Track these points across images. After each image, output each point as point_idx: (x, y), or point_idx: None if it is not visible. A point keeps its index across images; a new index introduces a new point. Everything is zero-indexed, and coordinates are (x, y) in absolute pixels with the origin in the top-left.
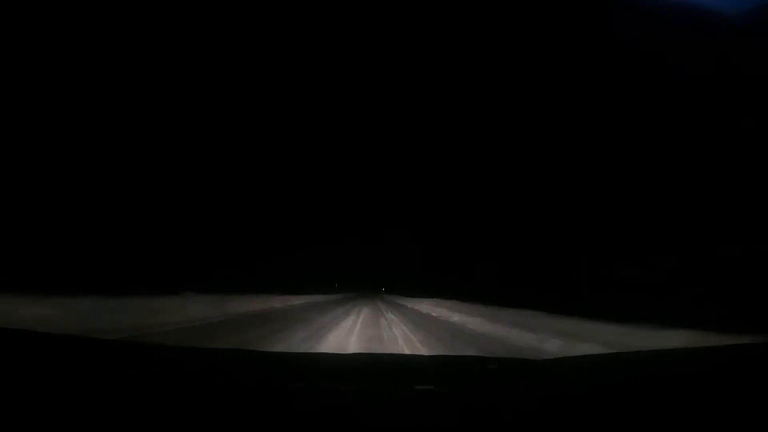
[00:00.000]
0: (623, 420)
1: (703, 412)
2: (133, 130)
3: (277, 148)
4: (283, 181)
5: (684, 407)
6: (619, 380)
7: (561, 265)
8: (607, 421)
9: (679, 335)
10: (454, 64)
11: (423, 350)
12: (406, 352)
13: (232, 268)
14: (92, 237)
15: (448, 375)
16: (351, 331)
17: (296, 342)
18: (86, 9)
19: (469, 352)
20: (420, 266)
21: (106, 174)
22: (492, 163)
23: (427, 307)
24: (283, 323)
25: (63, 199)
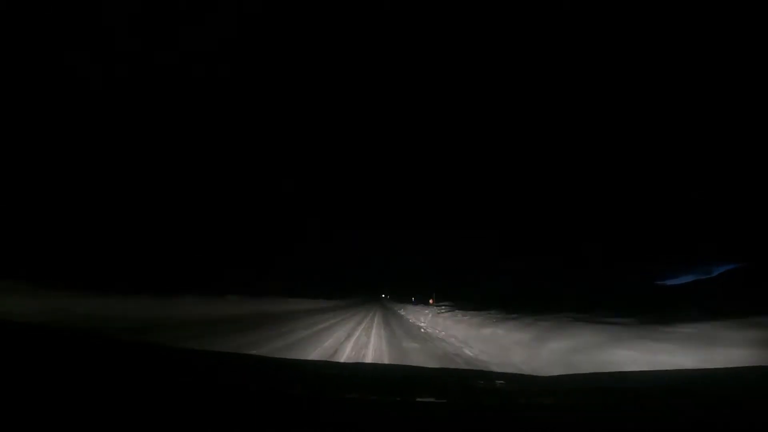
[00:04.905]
0: None
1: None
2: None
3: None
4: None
5: (689, 427)
6: (625, 399)
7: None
8: None
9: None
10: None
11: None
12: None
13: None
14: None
15: (452, 388)
16: None
17: None
18: (84, 15)
19: None
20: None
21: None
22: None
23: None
24: None
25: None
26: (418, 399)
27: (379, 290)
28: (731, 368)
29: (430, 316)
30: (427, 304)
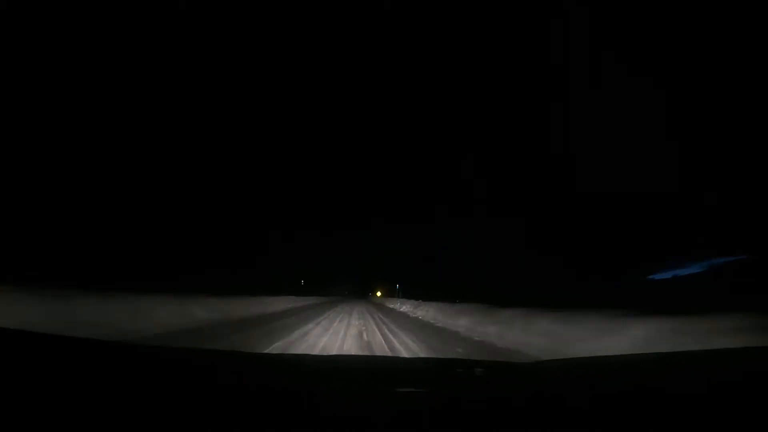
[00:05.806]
0: (611, 423)
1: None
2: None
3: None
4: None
5: (674, 413)
6: (607, 383)
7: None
8: (594, 424)
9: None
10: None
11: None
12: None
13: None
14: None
15: (433, 378)
16: None
17: None
18: (87, 12)
19: None
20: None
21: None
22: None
23: None
24: None
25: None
26: (398, 389)
27: (366, 288)
28: (721, 350)
29: (394, 304)
30: (401, 298)
